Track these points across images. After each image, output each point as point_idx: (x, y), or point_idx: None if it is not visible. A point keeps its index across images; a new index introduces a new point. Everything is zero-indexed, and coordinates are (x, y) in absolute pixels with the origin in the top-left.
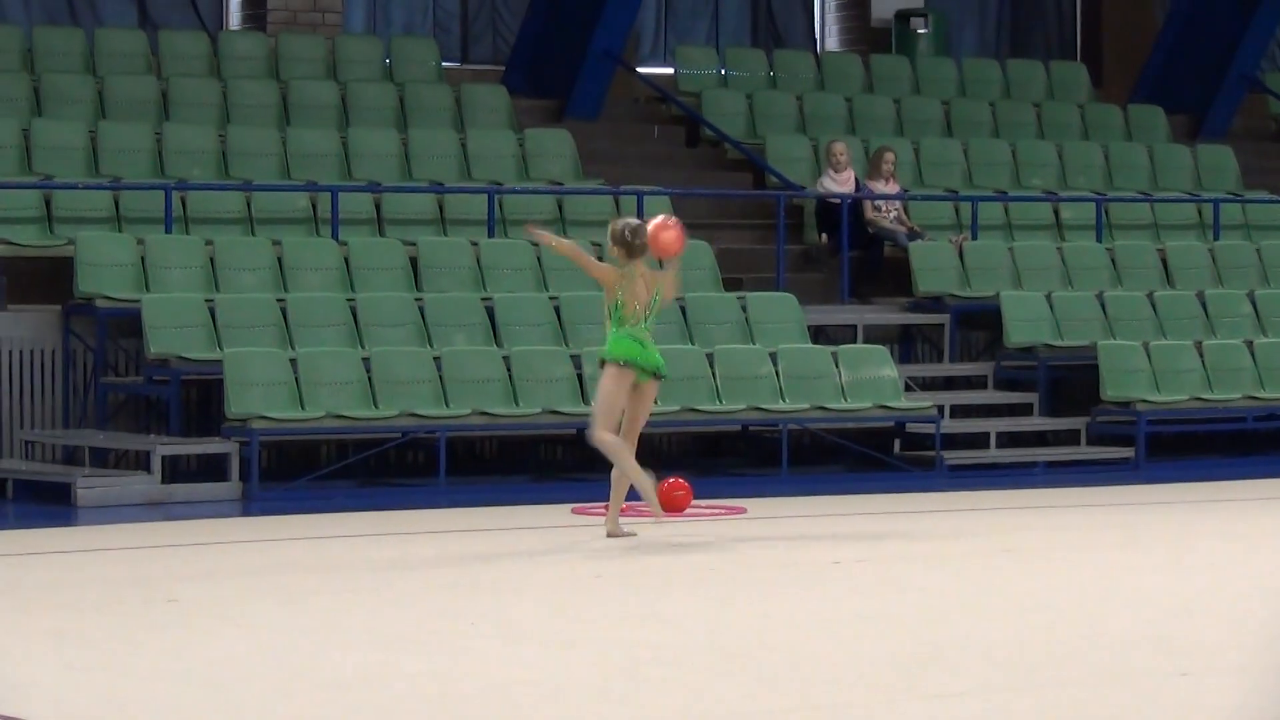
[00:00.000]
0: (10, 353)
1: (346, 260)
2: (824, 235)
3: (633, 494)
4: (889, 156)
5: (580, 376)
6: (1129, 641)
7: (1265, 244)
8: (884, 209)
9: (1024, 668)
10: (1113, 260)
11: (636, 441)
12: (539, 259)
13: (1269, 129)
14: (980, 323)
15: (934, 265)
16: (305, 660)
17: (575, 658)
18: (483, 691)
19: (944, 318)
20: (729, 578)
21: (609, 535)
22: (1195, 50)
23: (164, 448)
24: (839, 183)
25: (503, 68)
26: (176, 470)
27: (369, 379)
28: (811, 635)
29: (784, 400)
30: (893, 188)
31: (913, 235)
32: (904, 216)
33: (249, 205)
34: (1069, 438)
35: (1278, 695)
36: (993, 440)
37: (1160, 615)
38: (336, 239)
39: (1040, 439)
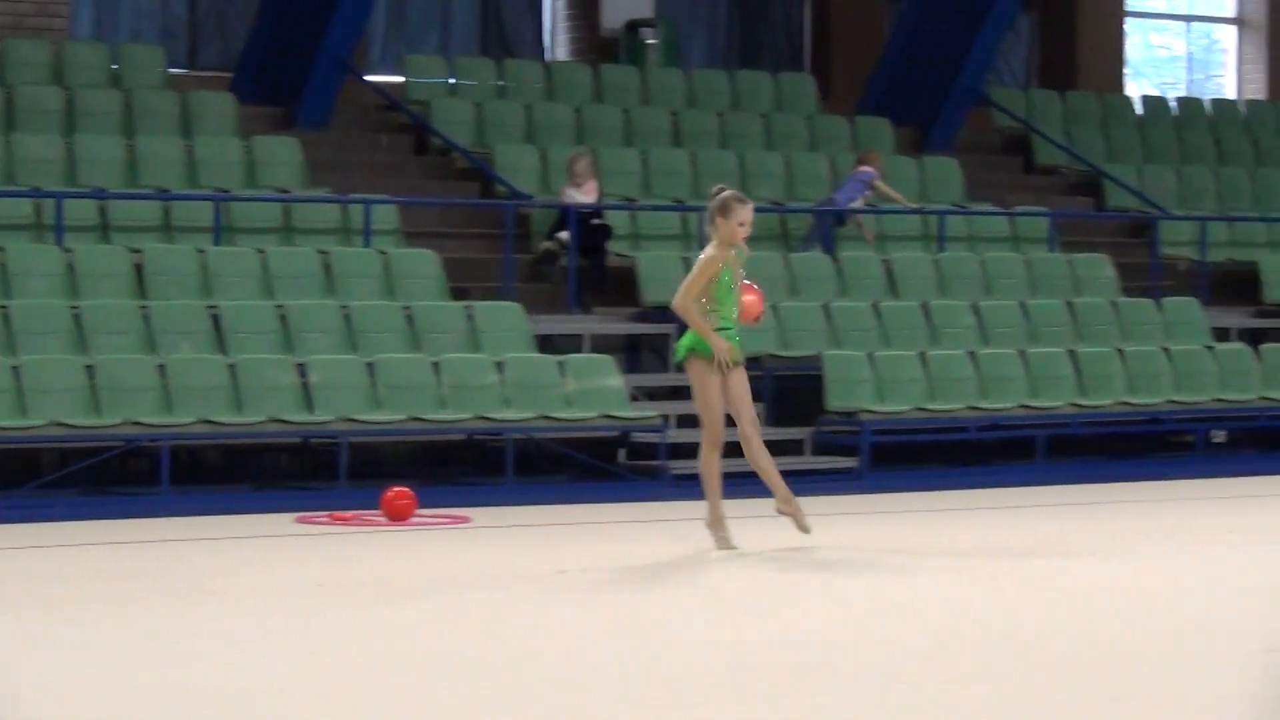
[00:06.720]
0: None
1: (71, 267)
2: (554, 237)
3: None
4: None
5: (306, 385)
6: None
7: (989, 256)
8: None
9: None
10: (838, 271)
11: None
12: (265, 267)
13: (994, 142)
14: None
15: (661, 276)
16: (6, 673)
17: (299, 665)
18: (208, 702)
19: (671, 327)
20: (455, 586)
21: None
22: (922, 63)
23: None
24: (584, 192)
25: (231, 74)
26: None
27: (92, 387)
28: (539, 643)
29: (510, 409)
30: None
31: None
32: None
33: None
34: (793, 447)
35: None
36: None
37: (851, 620)
38: (60, 245)
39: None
